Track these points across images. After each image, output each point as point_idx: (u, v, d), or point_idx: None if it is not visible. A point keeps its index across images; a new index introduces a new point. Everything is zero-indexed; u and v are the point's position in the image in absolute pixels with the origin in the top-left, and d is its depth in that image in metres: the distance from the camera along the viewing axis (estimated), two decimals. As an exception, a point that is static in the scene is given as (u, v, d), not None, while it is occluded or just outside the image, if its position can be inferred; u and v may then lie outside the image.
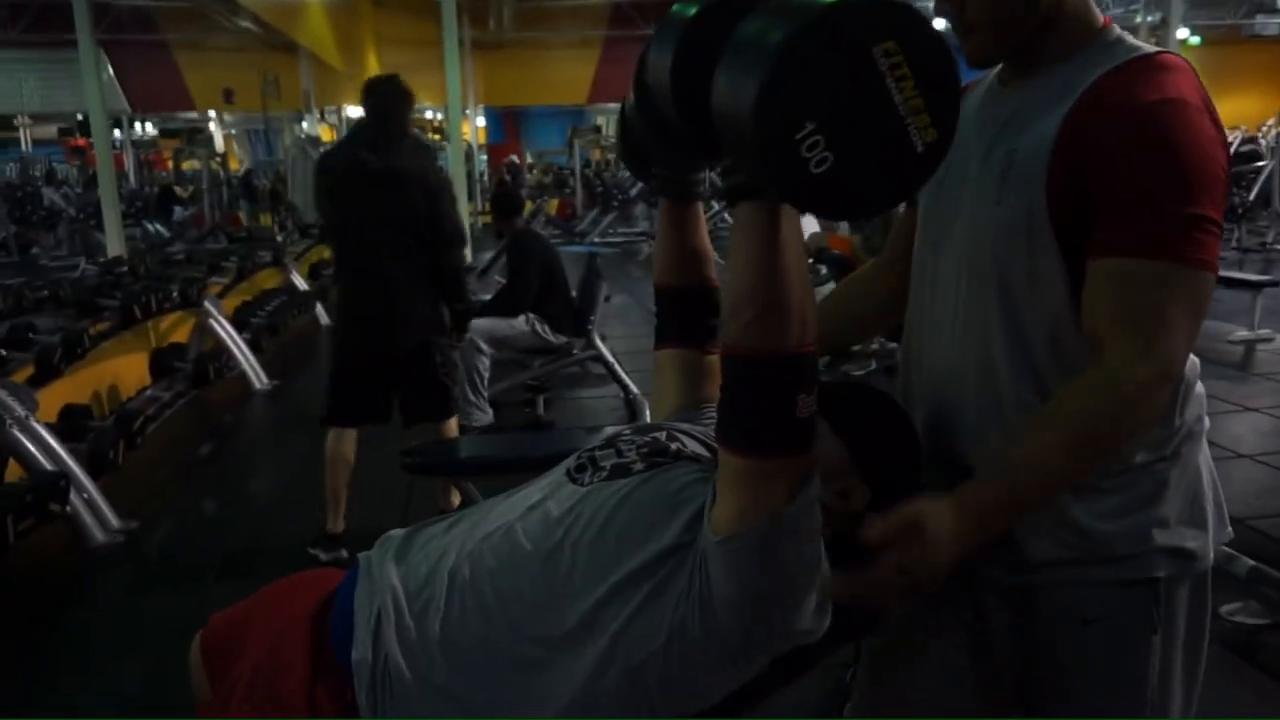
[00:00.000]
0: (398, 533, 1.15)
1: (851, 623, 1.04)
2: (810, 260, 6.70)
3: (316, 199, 3.30)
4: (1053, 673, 1.10)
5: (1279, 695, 2.18)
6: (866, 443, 1.06)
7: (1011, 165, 1.02)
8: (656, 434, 1.13)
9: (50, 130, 20.47)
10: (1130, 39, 1.05)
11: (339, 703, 0.99)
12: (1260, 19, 17.31)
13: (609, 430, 1.21)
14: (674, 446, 1.10)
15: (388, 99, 2.95)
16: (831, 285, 5.15)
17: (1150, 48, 1.02)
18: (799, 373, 0.87)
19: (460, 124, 10.41)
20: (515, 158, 17.19)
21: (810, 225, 5.36)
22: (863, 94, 0.74)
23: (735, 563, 0.90)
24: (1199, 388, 1.09)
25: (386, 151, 2.89)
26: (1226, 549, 2.36)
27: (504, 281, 5.34)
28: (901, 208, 1.25)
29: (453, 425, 3.23)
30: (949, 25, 1.07)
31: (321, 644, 1.04)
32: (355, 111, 19.30)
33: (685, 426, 1.17)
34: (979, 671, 1.15)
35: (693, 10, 0.88)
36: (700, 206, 1.23)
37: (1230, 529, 1.14)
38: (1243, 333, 5.85)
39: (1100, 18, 1.05)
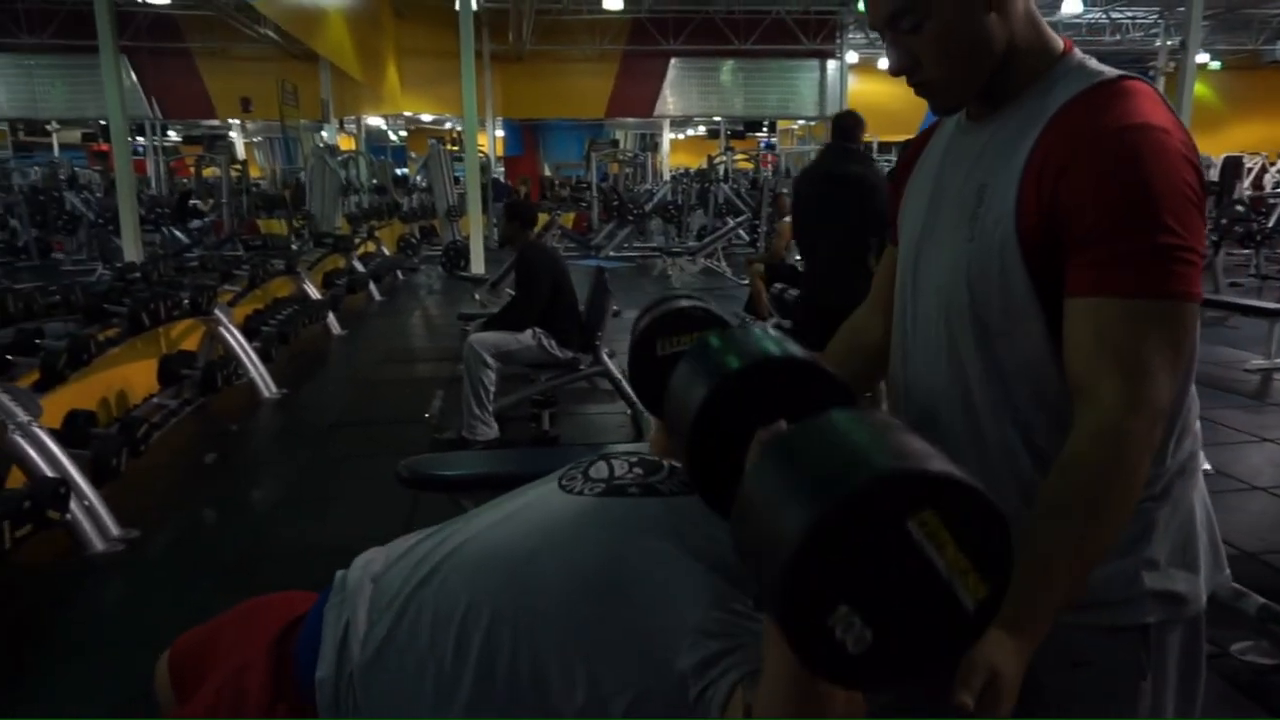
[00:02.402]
0: (376, 549, 1.12)
1: None
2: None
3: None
4: (1038, 704, 1.07)
5: (1288, 739, 2.12)
6: None
7: (982, 200, 1.00)
8: (647, 455, 1.12)
9: (77, 135, 20.76)
10: (1093, 63, 1.02)
11: None
12: (1281, 45, 17.16)
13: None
14: (666, 463, 1.09)
15: (842, 120, 4.00)
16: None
17: (1113, 71, 1.00)
18: None
19: (476, 135, 10.44)
20: (527, 179, 17.03)
21: None
22: (901, 566, 0.66)
23: None
24: (1196, 426, 1.06)
25: (838, 160, 3.90)
26: (1236, 586, 2.30)
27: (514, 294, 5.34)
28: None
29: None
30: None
31: (284, 665, 1.02)
32: (374, 121, 19.48)
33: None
34: None
35: (723, 372, 0.87)
36: None
37: (1228, 571, 1.10)
38: (1259, 361, 5.75)
39: (1060, 43, 1.03)
